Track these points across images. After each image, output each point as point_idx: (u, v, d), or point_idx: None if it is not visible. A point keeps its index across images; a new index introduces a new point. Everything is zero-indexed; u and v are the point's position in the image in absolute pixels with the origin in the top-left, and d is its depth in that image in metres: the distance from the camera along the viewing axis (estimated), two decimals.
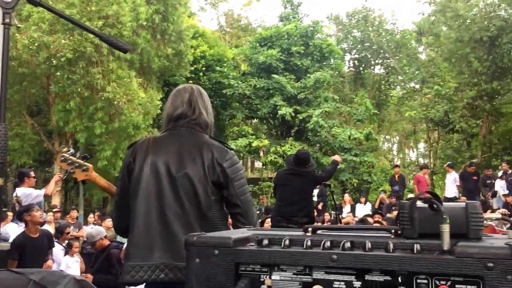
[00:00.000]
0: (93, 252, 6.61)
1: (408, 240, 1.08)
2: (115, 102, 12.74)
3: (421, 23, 26.59)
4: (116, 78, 13.00)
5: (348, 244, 1.08)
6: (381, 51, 24.29)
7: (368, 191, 20.54)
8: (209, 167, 2.01)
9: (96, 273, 5.64)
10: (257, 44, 19.55)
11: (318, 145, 18.95)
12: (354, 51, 25.12)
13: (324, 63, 20.02)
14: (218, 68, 19.33)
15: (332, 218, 13.61)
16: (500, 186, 13.01)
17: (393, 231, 1.16)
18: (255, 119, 21.44)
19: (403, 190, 15.55)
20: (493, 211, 12.18)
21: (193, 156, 2.03)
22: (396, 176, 15.19)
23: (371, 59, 25.25)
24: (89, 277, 5.44)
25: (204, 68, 19.58)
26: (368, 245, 1.07)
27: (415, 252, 1.03)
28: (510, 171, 13.54)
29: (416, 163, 28.15)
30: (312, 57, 19.38)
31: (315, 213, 13.40)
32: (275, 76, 18.07)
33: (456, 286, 0.97)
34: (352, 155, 18.44)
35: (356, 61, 25.36)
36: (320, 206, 14.41)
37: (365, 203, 14.82)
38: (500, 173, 13.45)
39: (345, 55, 25.14)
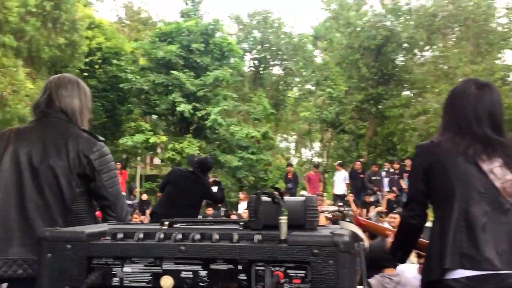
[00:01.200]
0: None
1: (253, 231, 1.18)
2: None
3: (318, 28, 27.87)
4: (0, 67, 12.08)
5: (197, 236, 1.16)
6: (280, 52, 25.05)
7: (264, 189, 21.11)
8: (74, 159, 1.95)
9: None
10: (157, 39, 19.23)
11: (216, 142, 19.11)
12: (254, 51, 25.64)
13: (224, 61, 20.21)
14: (115, 61, 18.71)
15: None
16: (385, 183, 14.09)
17: (242, 223, 1.26)
18: (153, 115, 21.09)
19: (296, 187, 16.20)
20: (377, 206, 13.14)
21: (58, 147, 1.97)
22: (290, 174, 15.77)
23: (270, 60, 25.92)
24: None
25: (100, 61, 18.84)
26: (216, 236, 1.15)
27: (255, 242, 1.13)
28: (392, 169, 14.70)
29: (311, 161, 29.45)
30: (212, 55, 19.47)
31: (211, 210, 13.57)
32: (174, 72, 17.91)
33: (288, 271, 1.08)
34: (249, 153, 18.85)
35: (255, 61, 25.91)
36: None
37: None
38: (383, 173, 14.55)
39: (246, 55, 25.58)
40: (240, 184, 19.74)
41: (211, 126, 17.84)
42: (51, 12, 13.47)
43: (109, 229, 1.24)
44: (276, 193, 1.21)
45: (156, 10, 52.72)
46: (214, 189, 6.72)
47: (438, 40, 16.54)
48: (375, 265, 3.33)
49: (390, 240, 2.28)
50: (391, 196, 13.11)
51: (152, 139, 17.61)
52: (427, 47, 17.08)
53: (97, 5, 25.11)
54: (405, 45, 17.23)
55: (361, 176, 14.51)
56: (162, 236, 1.17)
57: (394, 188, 13.58)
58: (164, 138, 18.03)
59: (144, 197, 15.90)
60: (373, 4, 17.54)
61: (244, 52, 24.92)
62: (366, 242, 1.22)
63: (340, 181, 15.23)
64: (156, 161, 25.30)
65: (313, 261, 1.06)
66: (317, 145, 31.91)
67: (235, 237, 1.14)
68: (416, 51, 17.38)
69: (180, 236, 1.16)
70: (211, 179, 6.17)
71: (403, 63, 17.55)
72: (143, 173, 24.91)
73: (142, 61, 19.75)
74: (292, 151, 37.94)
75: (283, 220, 1.13)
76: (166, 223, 1.28)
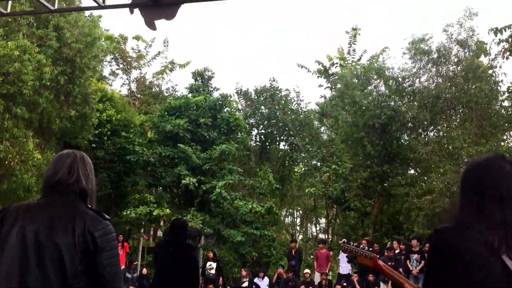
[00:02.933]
0: None
1: None
2: (6, 162, 12.00)
3: (324, 105, 28.47)
4: (10, 137, 12.32)
5: None
6: (286, 128, 25.45)
7: (268, 265, 20.64)
8: (79, 236, 1.99)
9: None
10: (166, 113, 19.68)
11: (220, 216, 18.95)
12: (261, 126, 26.08)
13: (231, 136, 20.52)
14: (124, 133, 19.05)
15: None
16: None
17: None
18: (158, 187, 21.13)
19: (299, 264, 15.84)
20: None
21: (65, 224, 2.01)
22: (293, 251, 15.50)
23: (277, 135, 26.30)
24: None
25: (109, 133, 19.21)
26: None
27: None
28: (398, 250, 14.38)
29: (316, 238, 28.92)
30: (219, 130, 19.81)
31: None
32: (181, 145, 18.16)
33: None
34: (253, 228, 18.61)
35: (262, 136, 26.28)
36: (220, 281, 14.23)
37: (263, 278, 14.88)
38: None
39: (253, 130, 26.00)
40: (243, 259, 19.32)
41: (215, 200, 17.79)
42: (64, 85, 13.92)
43: None
44: None
45: (167, 85, 54.34)
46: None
47: (442, 120, 16.78)
48: None
49: None
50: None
51: (156, 212, 17.52)
52: (431, 127, 17.30)
53: (111, 78, 25.93)
54: (409, 124, 17.48)
55: None
56: None
57: (400, 269, 13.23)
58: (167, 211, 17.92)
59: (144, 271, 15.59)
60: (377, 84, 18.02)
61: (251, 127, 25.36)
62: None
63: (345, 260, 14.88)
64: (160, 233, 25.03)
65: None
66: (323, 221, 31.52)
67: None
68: (420, 130, 17.59)
69: None
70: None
71: (408, 142, 17.70)
72: (146, 245, 24.56)
73: (150, 134, 20.11)
74: (298, 227, 37.45)
75: None
76: None
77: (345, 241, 2.56)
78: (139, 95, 26.76)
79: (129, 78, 26.40)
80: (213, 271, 14.76)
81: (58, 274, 1.94)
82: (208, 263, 14.16)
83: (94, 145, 18.57)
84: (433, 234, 1.90)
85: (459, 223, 1.81)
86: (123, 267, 14.68)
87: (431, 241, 1.90)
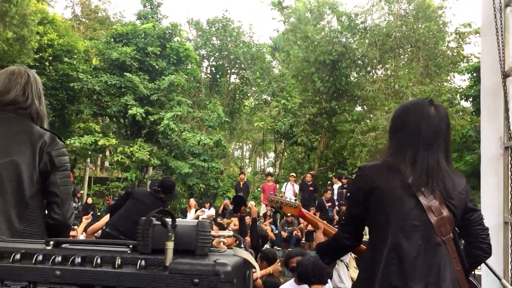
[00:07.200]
0: None
1: (141, 256, 1.12)
2: None
3: (277, 39, 28.08)
4: None
5: (78, 260, 1.09)
6: (238, 61, 25.05)
7: (215, 197, 20.98)
8: (38, 155, 1.99)
9: None
10: (112, 40, 18.80)
11: (168, 148, 18.84)
12: (212, 58, 25.55)
13: (181, 66, 20.01)
14: (67, 59, 18.16)
15: None
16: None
17: (131, 246, 1.19)
18: (104, 117, 20.59)
19: (247, 197, 16.18)
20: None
21: (22, 143, 2.00)
22: (241, 183, 15.75)
23: (228, 68, 25.89)
24: None
25: (51, 58, 18.27)
26: (97, 260, 1.09)
27: (138, 268, 1.07)
28: (340, 184, 14.92)
29: (264, 171, 29.50)
30: (168, 60, 19.23)
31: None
32: (128, 74, 17.56)
33: None
34: (201, 161, 18.68)
35: (213, 68, 25.82)
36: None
37: (209, 208, 15.12)
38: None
39: (203, 61, 25.45)
40: (190, 191, 19.52)
41: (163, 131, 17.58)
42: None
43: None
44: (167, 216, 1.16)
45: (114, 10, 51.68)
46: None
47: (390, 59, 16.98)
48: (304, 280, 3.35)
49: (321, 238, 2.30)
50: (343, 208, 13.31)
51: (101, 141, 17.16)
52: (379, 66, 17.49)
53: (52, 0, 24.32)
54: (359, 62, 17.58)
55: (310, 188, 14.66)
56: (40, 258, 1.10)
57: (342, 202, 13.81)
58: (113, 141, 17.59)
59: (89, 200, 15.49)
60: (330, 20, 17.83)
61: (202, 59, 24.79)
62: (258, 271, 1.19)
63: (290, 193, 15.30)
64: (107, 164, 24.74)
65: None
66: (271, 155, 32.06)
67: (118, 261, 1.08)
68: (369, 68, 17.76)
69: (59, 258, 1.09)
70: None
71: (356, 80, 17.88)
72: (93, 175, 24.29)
73: (95, 61, 19.27)
74: (247, 160, 37.99)
75: (169, 245, 1.08)
76: (51, 242, 1.20)
77: (272, 193, 2.75)
78: (83, 20, 25.39)
79: (72, 1, 24.89)
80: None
81: (16, 192, 1.94)
82: None
83: (35, 70, 17.61)
84: (357, 170, 2.04)
85: (383, 162, 1.92)
86: None
87: (355, 175, 2.06)
